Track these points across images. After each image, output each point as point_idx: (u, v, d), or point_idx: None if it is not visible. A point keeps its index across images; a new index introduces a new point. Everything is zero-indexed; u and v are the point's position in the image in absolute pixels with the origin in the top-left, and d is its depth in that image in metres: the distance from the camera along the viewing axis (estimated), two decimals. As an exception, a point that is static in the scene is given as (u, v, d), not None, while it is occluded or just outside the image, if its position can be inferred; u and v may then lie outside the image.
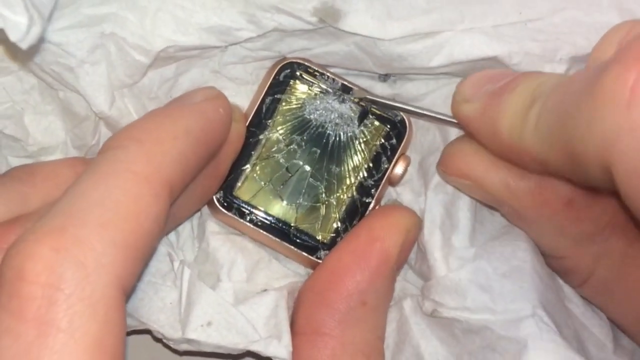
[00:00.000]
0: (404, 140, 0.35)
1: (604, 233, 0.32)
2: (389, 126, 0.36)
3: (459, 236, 0.34)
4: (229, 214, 0.35)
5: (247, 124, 0.35)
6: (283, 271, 0.36)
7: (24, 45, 0.26)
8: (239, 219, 0.35)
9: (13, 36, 0.26)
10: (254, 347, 0.32)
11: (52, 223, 0.25)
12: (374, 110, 0.35)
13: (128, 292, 0.26)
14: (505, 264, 0.33)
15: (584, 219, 0.32)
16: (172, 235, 0.36)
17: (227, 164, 0.34)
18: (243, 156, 0.35)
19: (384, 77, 0.36)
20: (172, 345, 0.34)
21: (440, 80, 0.35)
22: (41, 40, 0.30)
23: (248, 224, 0.35)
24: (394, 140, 0.35)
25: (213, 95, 0.32)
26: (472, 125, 0.31)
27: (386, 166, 0.35)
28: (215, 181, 0.34)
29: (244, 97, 0.36)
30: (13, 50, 0.31)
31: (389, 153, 0.35)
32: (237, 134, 0.34)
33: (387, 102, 0.35)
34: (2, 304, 0.24)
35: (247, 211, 0.35)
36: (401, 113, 0.35)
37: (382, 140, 0.35)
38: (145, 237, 0.26)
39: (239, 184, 0.35)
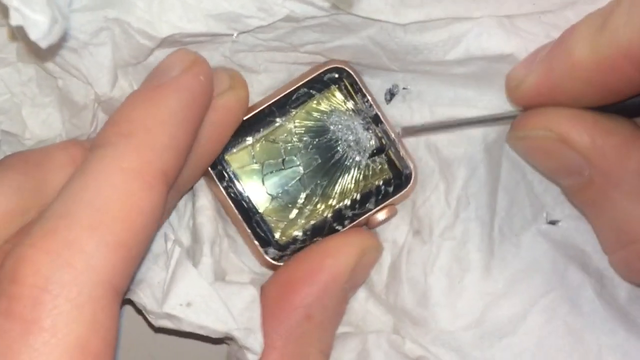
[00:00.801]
0: (400, 194, 0.35)
1: None
2: (393, 174, 0.35)
3: (471, 279, 0.34)
4: (210, 171, 0.34)
5: (272, 102, 0.34)
6: (239, 266, 0.36)
7: (43, 44, 0.25)
8: (217, 181, 0.34)
9: (33, 35, 0.25)
10: (234, 333, 0.32)
11: (46, 226, 0.26)
12: (390, 153, 0.35)
13: (121, 292, 0.26)
14: (511, 329, 0.34)
15: None
16: (173, 217, 0.35)
17: (228, 131, 0.33)
18: (251, 128, 0.34)
19: (390, 96, 0.36)
20: (151, 320, 0.33)
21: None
22: (62, 39, 0.28)
23: (222, 189, 0.34)
24: (391, 189, 0.35)
25: (190, 62, 0.31)
26: (541, 92, 0.30)
27: (371, 207, 0.35)
28: (214, 148, 0.33)
29: (250, 86, 0.34)
30: (33, 48, 0.29)
31: (379, 197, 0.35)
32: (238, 101, 0.33)
33: (431, 124, 0.34)
34: None
35: (227, 177, 0.34)
36: (411, 167, 0.35)
37: (380, 183, 0.35)
38: (138, 233, 0.26)
39: (234, 150, 0.34)
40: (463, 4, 0.33)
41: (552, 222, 0.35)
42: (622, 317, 0.34)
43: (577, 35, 0.29)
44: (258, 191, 0.35)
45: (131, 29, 0.31)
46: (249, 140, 0.35)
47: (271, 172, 0.35)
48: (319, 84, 0.35)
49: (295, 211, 0.35)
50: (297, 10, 0.32)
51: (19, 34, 0.31)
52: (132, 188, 0.26)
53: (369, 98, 0.35)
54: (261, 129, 0.35)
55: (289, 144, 0.35)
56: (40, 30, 0.24)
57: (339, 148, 0.35)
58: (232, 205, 0.34)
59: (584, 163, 0.31)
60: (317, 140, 0.35)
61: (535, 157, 0.33)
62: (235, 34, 0.33)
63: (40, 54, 0.31)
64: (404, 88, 0.36)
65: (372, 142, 0.35)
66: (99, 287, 0.25)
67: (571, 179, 0.32)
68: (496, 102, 0.35)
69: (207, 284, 0.31)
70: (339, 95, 0.35)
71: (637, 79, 0.28)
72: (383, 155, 0.35)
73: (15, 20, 0.24)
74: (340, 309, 0.35)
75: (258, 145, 0.35)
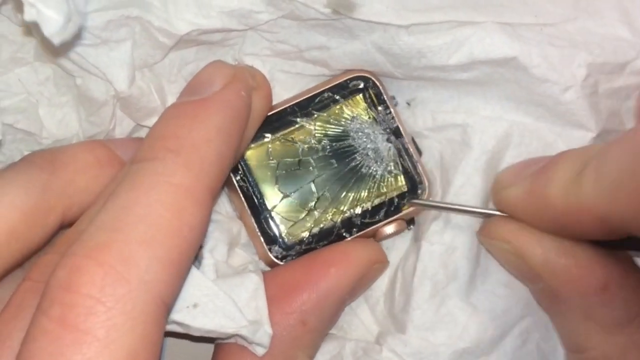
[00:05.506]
0: (412, 209, 0.35)
1: (634, 323, 0.31)
2: (408, 188, 0.35)
3: (455, 287, 0.34)
4: None
5: (295, 103, 0.35)
6: (241, 263, 0.36)
7: (56, 40, 0.26)
8: (230, 174, 0.34)
9: (47, 30, 0.25)
10: (243, 332, 0.31)
11: (98, 238, 0.26)
12: (408, 167, 0.35)
13: (170, 307, 0.27)
14: (488, 349, 0.34)
15: (616, 305, 0.31)
16: None
17: (253, 131, 0.34)
18: (272, 126, 0.35)
19: (395, 103, 0.36)
20: None
21: None
22: (76, 37, 0.29)
23: (235, 182, 0.35)
24: (404, 202, 0.35)
25: (230, 77, 0.31)
26: (518, 206, 0.32)
27: (381, 219, 0.35)
28: (241, 148, 0.34)
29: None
30: (48, 44, 0.30)
31: (392, 209, 0.35)
32: (263, 99, 0.33)
33: (431, 203, 0.35)
34: (43, 309, 0.25)
35: (240, 171, 0.35)
36: (426, 184, 0.35)
37: (394, 195, 0.35)
38: (188, 250, 0.27)
39: (252, 145, 0.35)
40: (465, 10, 0.33)
41: None
42: None
43: (557, 174, 0.30)
44: (270, 189, 0.35)
45: (152, 27, 0.32)
46: (268, 137, 0.35)
47: (286, 171, 0.35)
48: (344, 90, 0.35)
49: (305, 212, 0.35)
50: (300, 8, 0.33)
51: (34, 30, 0.32)
52: (183, 204, 0.27)
53: (392, 110, 0.35)
54: (281, 128, 0.35)
55: (307, 146, 0.35)
56: (54, 26, 0.25)
57: (356, 155, 0.35)
58: (243, 199, 0.34)
59: (537, 277, 0.32)
60: (335, 144, 0.35)
61: (498, 260, 0.35)
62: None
63: (55, 51, 0.32)
64: (407, 103, 0.36)
65: (391, 153, 0.35)
66: (151, 302, 0.25)
67: (529, 285, 0.34)
68: (499, 111, 0.35)
69: (211, 283, 0.31)
70: (362, 104, 0.35)
71: (597, 232, 0.29)
72: (400, 168, 0.35)
73: (29, 15, 0.25)
74: (335, 317, 0.35)
75: (276, 142, 0.35)
